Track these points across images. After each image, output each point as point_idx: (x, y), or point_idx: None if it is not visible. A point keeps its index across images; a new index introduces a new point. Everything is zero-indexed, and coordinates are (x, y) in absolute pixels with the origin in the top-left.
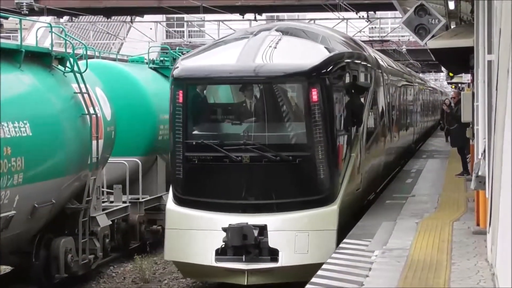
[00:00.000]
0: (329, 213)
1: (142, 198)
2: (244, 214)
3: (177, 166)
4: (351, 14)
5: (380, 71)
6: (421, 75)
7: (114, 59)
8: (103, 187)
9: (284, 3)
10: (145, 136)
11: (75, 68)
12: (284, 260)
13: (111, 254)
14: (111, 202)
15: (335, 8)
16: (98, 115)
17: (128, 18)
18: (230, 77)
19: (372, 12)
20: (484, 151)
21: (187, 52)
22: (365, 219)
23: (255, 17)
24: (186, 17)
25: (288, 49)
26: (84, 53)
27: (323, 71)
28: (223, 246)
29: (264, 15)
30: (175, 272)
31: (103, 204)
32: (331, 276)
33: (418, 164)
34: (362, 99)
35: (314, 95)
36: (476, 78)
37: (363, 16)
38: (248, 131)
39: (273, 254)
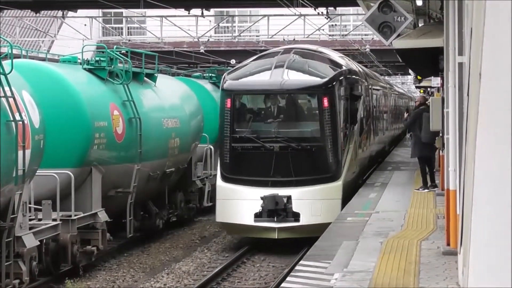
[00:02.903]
0: (336, 187)
1: (75, 216)
2: (275, 188)
3: (225, 153)
4: (309, 10)
5: (366, 81)
6: (386, 77)
7: (43, 59)
8: (30, 203)
9: None
10: (78, 146)
11: None
12: (304, 220)
13: (39, 278)
14: (40, 220)
15: (290, 3)
16: (25, 122)
17: (60, 13)
18: (266, 90)
19: (332, 8)
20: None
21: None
22: (323, 238)
23: (202, 13)
24: (125, 12)
25: (306, 68)
26: (9, 52)
27: (331, 85)
28: (260, 210)
29: (212, 11)
30: None
31: (30, 222)
32: None
33: (383, 176)
34: (356, 105)
35: (325, 102)
36: (446, 82)
37: (322, 13)
38: (277, 128)
39: (296, 216)
